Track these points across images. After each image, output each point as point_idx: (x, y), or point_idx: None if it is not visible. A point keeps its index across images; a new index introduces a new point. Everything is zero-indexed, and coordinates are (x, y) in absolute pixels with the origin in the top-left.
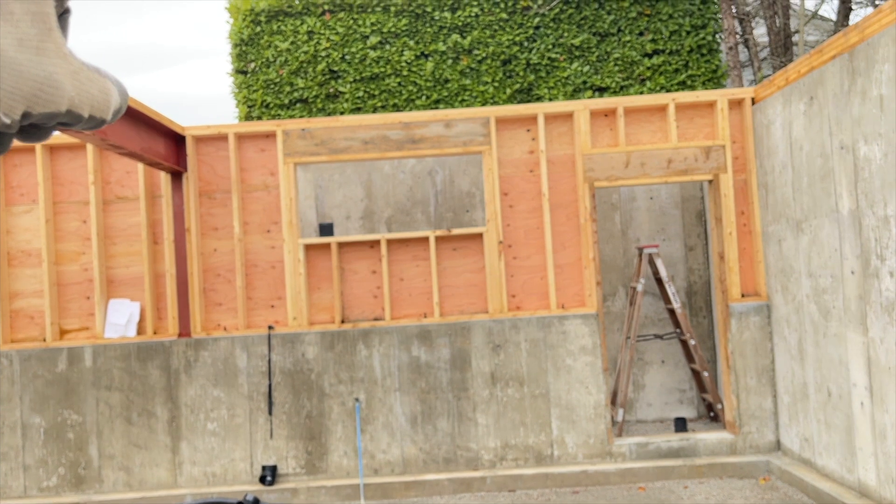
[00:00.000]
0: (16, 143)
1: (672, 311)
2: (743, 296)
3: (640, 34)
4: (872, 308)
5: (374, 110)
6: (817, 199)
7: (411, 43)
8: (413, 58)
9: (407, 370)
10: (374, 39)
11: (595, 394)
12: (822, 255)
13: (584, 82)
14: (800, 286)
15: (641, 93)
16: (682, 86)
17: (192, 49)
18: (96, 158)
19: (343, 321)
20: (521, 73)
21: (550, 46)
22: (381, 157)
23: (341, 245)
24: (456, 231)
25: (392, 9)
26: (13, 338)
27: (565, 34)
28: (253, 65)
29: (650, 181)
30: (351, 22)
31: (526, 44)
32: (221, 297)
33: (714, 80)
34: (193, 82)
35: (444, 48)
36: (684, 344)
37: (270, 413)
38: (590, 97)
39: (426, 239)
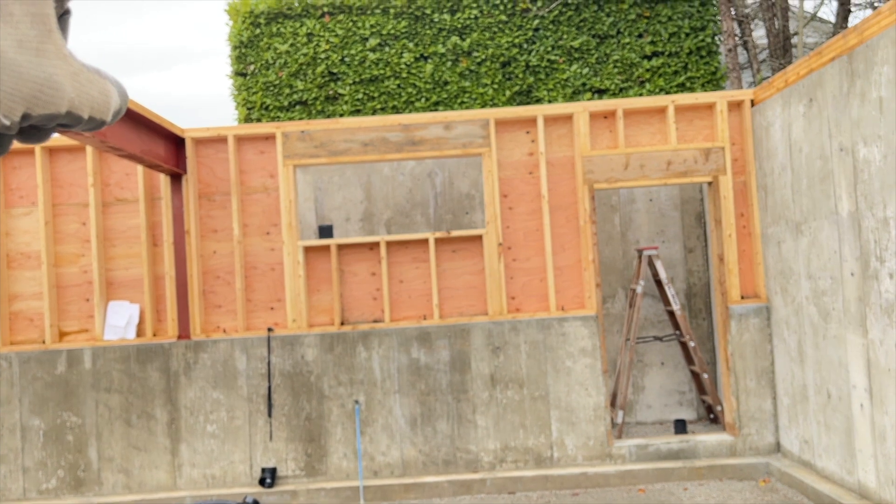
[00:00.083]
0: (15, 144)
1: (671, 313)
2: (742, 298)
3: (640, 36)
4: (872, 310)
5: (374, 112)
6: (817, 201)
7: (411, 45)
8: (412, 60)
9: (406, 372)
10: (373, 41)
11: (595, 396)
12: (821, 257)
13: (584, 84)
14: (799, 288)
15: (641, 95)
16: (682, 88)
17: (191, 51)
18: (96, 160)
19: (342, 323)
20: (521, 75)
21: (550, 48)
22: (380, 159)
23: (341, 247)
24: (455, 233)
25: (391, 11)
26: (12, 340)
27: (565, 36)
28: (252, 67)
29: (649, 183)
30: (350, 24)
31: (525, 46)
32: (221, 299)
33: (713, 81)
34: (193, 84)
35: (443, 50)
36: (684, 346)
37: (270, 415)
38: (589, 99)
39: (426, 241)
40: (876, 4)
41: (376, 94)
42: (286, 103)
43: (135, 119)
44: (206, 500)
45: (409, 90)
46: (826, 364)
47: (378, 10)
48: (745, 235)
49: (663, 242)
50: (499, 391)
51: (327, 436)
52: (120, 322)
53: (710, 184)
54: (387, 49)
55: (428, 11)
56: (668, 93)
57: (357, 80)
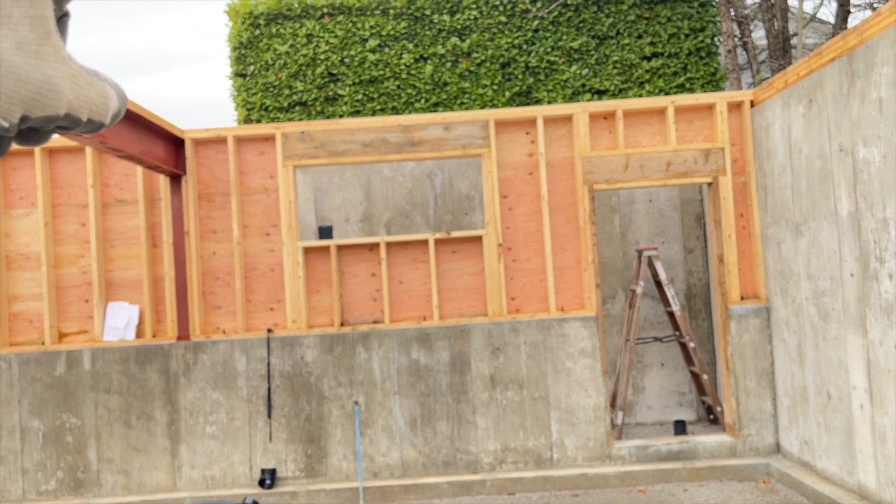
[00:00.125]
0: (14, 146)
1: (671, 314)
2: (742, 298)
3: (639, 37)
4: (872, 310)
5: (373, 113)
6: (816, 202)
7: (410, 46)
8: (412, 61)
9: (406, 373)
10: (373, 42)
11: (594, 396)
12: (821, 258)
13: (583, 85)
14: (799, 288)
15: (640, 95)
16: (681, 88)
17: (191, 52)
18: (95, 161)
19: (342, 324)
20: (520, 76)
21: (549, 49)
22: (380, 159)
23: (340, 248)
24: (455, 234)
25: (391, 12)
26: (12, 341)
27: (564, 37)
28: (252, 68)
29: (649, 184)
30: (350, 25)
31: (525, 47)
32: (220, 300)
33: (713, 82)
34: (192, 85)
35: (443, 51)
36: (684, 346)
37: (269, 416)
38: (589, 100)
39: (425, 242)
40: (875, 5)
41: (376, 95)
42: (286, 104)
43: (134, 120)
44: (205, 501)
45: (409, 91)
46: (826, 365)
47: (378, 11)
48: (745, 236)
49: (663, 243)
50: (499, 392)
51: (327, 437)
52: (119, 323)
53: (709, 184)
54: (386, 50)
55: (427, 12)
56: (667, 94)
57: (357, 80)
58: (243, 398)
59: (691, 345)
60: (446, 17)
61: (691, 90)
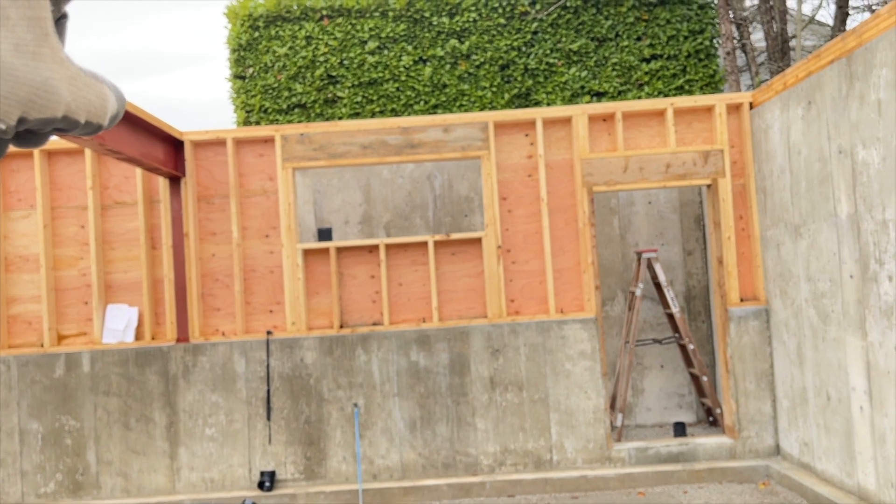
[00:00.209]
0: (13, 147)
1: (671, 316)
2: (742, 300)
3: (638, 39)
4: (871, 312)
5: (373, 115)
6: (816, 204)
7: (409, 48)
8: (411, 63)
9: (406, 375)
10: (372, 44)
11: (594, 398)
12: (820, 260)
13: (582, 87)
14: (798, 290)
15: (639, 97)
16: (680, 90)
17: (190, 54)
18: (94, 163)
19: (342, 326)
20: (520, 78)
21: (548, 51)
22: (379, 161)
23: (340, 250)
24: (455, 236)
25: (390, 14)
26: (11, 343)
27: (563, 39)
28: (251, 70)
29: (648, 186)
30: (349, 27)
31: (524, 49)
32: (220, 302)
33: (712, 84)
34: (192, 87)
35: (442, 53)
36: (683, 348)
37: (269, 418)
38: (588, 102)
39: (425, 244)
40: (874, 8)
41: (375, 97)
42: (285, 106)
43: (133, 122)
44: (204, 503)
45: (408, 93)
46: (825, 366)
47: (377, 14)
48: (745, 238)
49: (662, 245)
50: (498, 394)
51: (326, 439)
52: (118, 325)
53: (709, 186)
54: (385, 52)
55: (427, 14)
56: (666, 95)
57: (356, 83)
58: (242, 400)
59: (691, 347)
60: (445, 20)
61: (690, 92)
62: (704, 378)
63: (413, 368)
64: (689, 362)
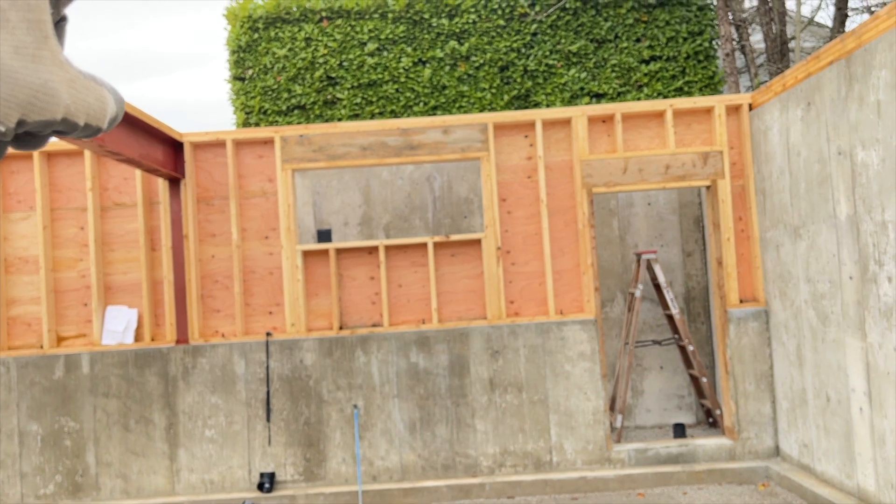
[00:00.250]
0: (12, 149)
1: (670, 317)
2: (741, 301)
3: (638, 41)
4: (871, 313)
5: (372, 117)
6: (815, 205)
7: (409, 49)
8: (411, 64)
9: (405, 376)
10: (371, 46)
11: (594, 400)
12: (820, 261)
13: (582, 88)
14: (798, 292)
15: (639, 99)
16: (680, 92)
17: (189, 56)
18: (94, 165)
19: (341, 327)
20: (519, 80)
21: (548, 53)
22: (379, 163)
23: (339, 251)
24: (454, 237)
25: (390, 16)
26: (10, 345)
27: (563, 41)
28: (251, 71)
29: (648, 187)
30: (349, 28)
31: (523, 50)
32: (219, 303)
33: (711, 86)
34: (191, 89)
35: (441, 55)
36: (683, 350)
37: (268, 420)
38: (587, 103)
39: (424, 245)
40: (873, 9)
41: (375, 99)
42: (284, 107)
43: (133, 123)
44: None
45: (408, 94)
46: (825, 368)
47: (376, 15)
48: (744, 239)
49: (662, 246)
50: (498, 395)
51: (326, 440)
52: (118, 327)
53: (708, 188)
54: (385, 53)
55: (426, 16)
56: (666, 97)
57: (355, 84)
58: (242, 402)
59: (690, 348)
60: (445, 21)
61: (689, 93)
62: (704, 379)
63: (413, 370)
64: (688, 363)
